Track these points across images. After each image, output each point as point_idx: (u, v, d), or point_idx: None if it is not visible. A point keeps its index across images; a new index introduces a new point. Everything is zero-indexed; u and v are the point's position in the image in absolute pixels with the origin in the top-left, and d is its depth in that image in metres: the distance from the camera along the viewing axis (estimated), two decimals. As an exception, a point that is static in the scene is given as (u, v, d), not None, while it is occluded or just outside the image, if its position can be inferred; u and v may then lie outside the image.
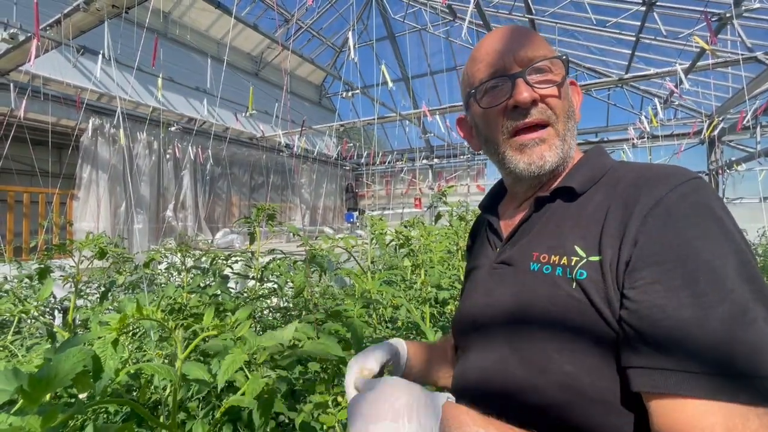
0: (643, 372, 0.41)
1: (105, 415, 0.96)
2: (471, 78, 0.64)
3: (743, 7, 4.50)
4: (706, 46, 4.42)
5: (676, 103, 7.84)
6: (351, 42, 4.40)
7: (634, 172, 0.53)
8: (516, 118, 0.59)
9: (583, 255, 0.50)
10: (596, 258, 0.48)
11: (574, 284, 0.49)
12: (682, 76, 4.86)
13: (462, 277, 1.58)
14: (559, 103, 0.59)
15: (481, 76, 0.62)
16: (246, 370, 0.56)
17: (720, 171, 8.00)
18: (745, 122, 6.19)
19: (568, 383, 0.47)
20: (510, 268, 0.59)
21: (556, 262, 0.52)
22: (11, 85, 5.05)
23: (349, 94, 7.48)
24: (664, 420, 0.40)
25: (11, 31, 4.33)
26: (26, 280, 1.92)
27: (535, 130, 0.59)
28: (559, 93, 0.59)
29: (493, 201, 0.75)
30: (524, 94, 0.57)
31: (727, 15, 4.52)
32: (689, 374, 0.38)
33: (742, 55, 4.57)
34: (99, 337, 0.37)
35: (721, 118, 7.15)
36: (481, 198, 0.78)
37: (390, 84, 5.04)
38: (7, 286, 1.78)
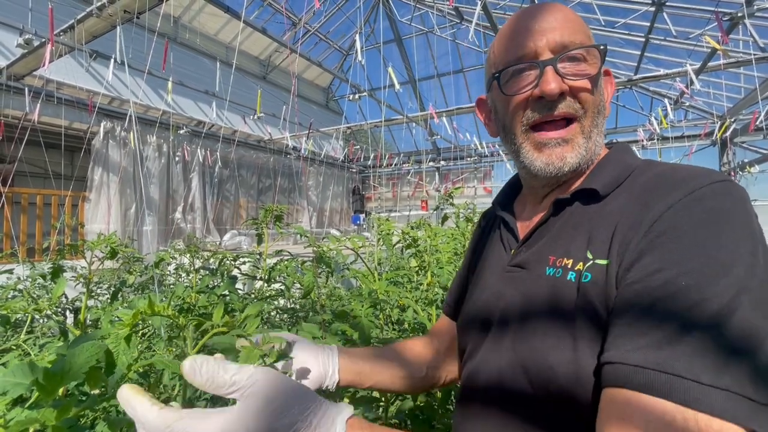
0: (616, 367, 0.39)
1: (116, 413, 0.98)
2: (496, 58, 0.59)
3: (755, 7, 4.44)
4: (717, 46, 4.37)
5: (687, 104, 7.75)
6: (358, 45, 4.42)
7: (655, 173, 0.50)
8: (539, 110, 0.54)
9: (590, 257, 0.47)
10: (604, 261, 0.46)
11: (581, 289, 0.46)
12: (693, 76, 4.80)
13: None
14: (591, 97, 0.54)
15: (508, 57, 0.57)
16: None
17: (732, 173, 7.87)
18: (757, 123, 6.09)
19: (566, 397, 0.45)
20: (524, 272, 0.56)
21: (569, 267, 0.49)
22: (26, 89, 5.15)
23: (356, 96, 7.51)
24: (615, 411, 0.38)
25: (26, 36, 4.43)
26: (39, 279, 1.96)
27: (559, 128, 0.55)
28: (592, 86, 0.54)
29: (509, 198, 0.71)
30: (552, 84, 0.52)
31: (739, 14, 4.46)
32: (659, 373, 0.36)
33: (754, 55, 4.51)
34: (111, 334, 0.38)
35: (733, 119, 7.05)
36: (487, 200, 0.76)
37: (397, 86, 5.05)
38: (20, 286, 1.82)
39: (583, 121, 0.55)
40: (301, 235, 1.35)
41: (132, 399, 0.36)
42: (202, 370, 0.37)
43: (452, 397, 1.15)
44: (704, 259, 0.39)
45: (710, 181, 0.44)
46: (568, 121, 0.55)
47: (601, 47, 0.55)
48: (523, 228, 0.63)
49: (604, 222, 0.49)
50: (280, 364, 0.51)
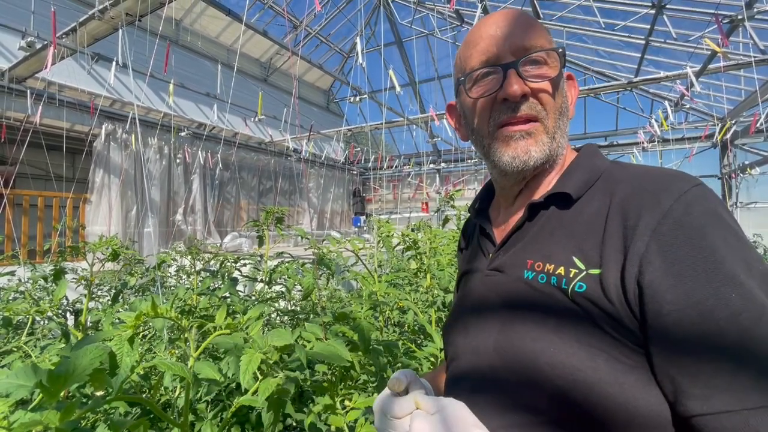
0: (713, 418, 0.38)
1: (117, 416, 0.98)
2: (463, 63, 0.62)
3: (755, 9, 4.45)
4: (717, 49, 4.37)
5: (687, 106, 7.75)
6: (359, 47, 4.44)
7: (631, 177, 0.51)
8: (505, 112, 0.57)
9: (582, 267, 0.48)
10: (596, 271, 0.46)
11: (571, 296, 0.47)
12: (693, 79, 4.80)
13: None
14: (551, 99, 0.57)
15: (472, 63, 0.59)
16: (256, 371, 0.57)
17: (733, 175, 7.87)
18: (758, 125, 6.10)
19: (558, 398, 0.45)
20: (502, 276, 0.57)
21: (551, 272, 0.50)
22: (28, 91, 5.18)
23: (357, 98, 7.52)
24: None
25: (29, 39, 4.45)
26: (40, 281, 1.97)
27: (523, 123, 0.57)
28: (552, 88, 0.56)
29: (483, 203, 0.72)
30: (514, 87, 0.54)
31: (739, 17, 4.48)
32: (755, 411, 0.36)
33: (754, 57, 4.51)
34: (115, 335, 0.38)
35: (733, 122, 7.05)
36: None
37: (397, 89, 5.06)
38: (22, 288, 1.82)
39: (546, 122, 0.57)
40: (301, 237, 1.36)
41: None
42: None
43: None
44: (730, 262, 0.40)
45: (690, 184, 0.46)
46: (531, 121, 0.57)
47: (560, 50, 0.57)
48: (499, 232, 0.65)
49: (586, 228, 0.50)
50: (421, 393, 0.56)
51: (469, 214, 0.79)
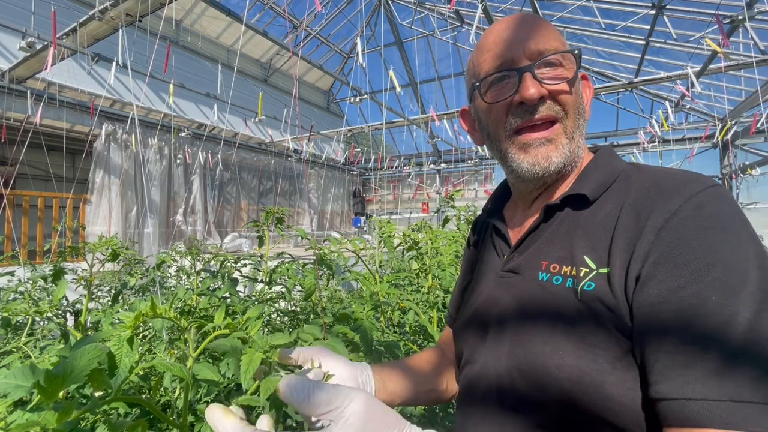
0: (675, 404, 0.38)
1: (117, 417, 0.97)
2: (476, 68, 0.61)
3: (756, 9, 4.45)
4: (718, 49, 4.37)
5: (688, 106, 7.75)
6: (359, 48, 4.44)
7: (647, 179, 0.51)
8: (521, 116, 0.56)
9: (593, 266, 0.48)
10: (605, 270, 0.47)
11: (581, 296, 0.47)
12: (694, 79, 4.80)
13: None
14: (570, 99, 0.56)
15: (486, 67, 0.59)
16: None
17: (733, 175, 7.87)
18: (758, 126, 6.10)
19: (566, 400, 0.45)
20: (517, 277, 0.57)
21: (567, 273, 0.50)
22: (28, 92, 5.18)
23: (357, 99, 7.52)
24: None
25: (29, 39, 4.45)
26: (40, 282, 1.96)
27: (542, 129, 0.56)
28: (570, 89, 0.56)
29: (498, 204, 0.72)
30: (531, 90, 0.53)
31: (740, 17, 4.48)
32: (735, 404, 0.36)
33: (755, 57, 4.51)
34: (114, 335, 0.38)
35: (734, 122, 7.05)
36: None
37: (398, 89, 5.06)
38: (21, 288, 1.82)
39: (565, 122, 0.56)
40: (302, 238, 1.35)
41: (223, 419, 0.39)
42: (298, 388, 0.39)
43: (453, 401, 1.15)
44: (722, 268, 0.40)
45: (704, 186, 0.45)
46: (550, 123, 0.56)
47: (576, 52, 0.57)
48: (514, 234, 0.64)
49: (599, 229, 0.50)
50: (312, 373, 0.50)
51: (479, 215, 0.79)
